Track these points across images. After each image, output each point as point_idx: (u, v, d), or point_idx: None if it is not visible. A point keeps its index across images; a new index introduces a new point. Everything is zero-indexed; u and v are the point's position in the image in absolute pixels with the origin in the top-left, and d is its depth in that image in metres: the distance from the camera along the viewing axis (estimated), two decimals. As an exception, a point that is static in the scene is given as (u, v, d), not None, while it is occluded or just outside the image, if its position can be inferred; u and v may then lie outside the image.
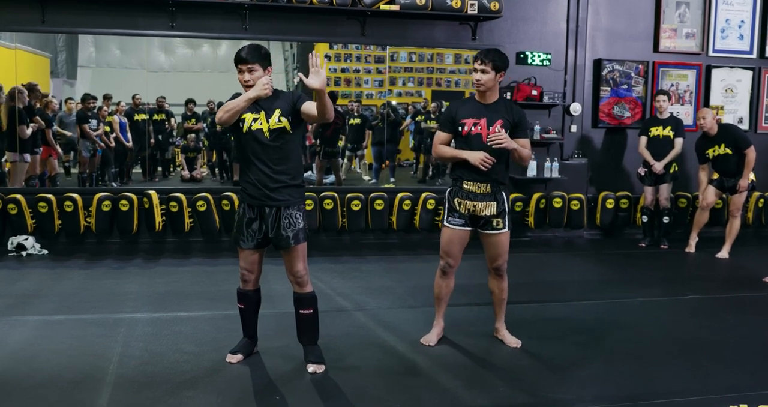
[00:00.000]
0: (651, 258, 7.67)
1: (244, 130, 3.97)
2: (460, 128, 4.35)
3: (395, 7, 7.77)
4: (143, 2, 7.47)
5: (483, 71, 4.28)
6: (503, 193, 4.44)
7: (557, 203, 8.44)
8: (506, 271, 4.58)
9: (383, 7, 7.74)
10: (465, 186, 4.39)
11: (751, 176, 7.53)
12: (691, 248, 7.90)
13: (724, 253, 7.61)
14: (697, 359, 4.49)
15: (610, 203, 8.66)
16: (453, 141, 4.45)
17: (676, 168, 8.05)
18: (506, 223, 4.46)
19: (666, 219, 8.12)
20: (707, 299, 5.98)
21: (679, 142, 7.90)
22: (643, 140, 8.06)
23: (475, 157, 4.27)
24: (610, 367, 4.34)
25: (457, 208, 4.42)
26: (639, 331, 5.03)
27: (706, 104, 9.08)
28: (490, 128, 4.29)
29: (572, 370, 4.25)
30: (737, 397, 3.85)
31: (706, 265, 7.37)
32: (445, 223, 4.50)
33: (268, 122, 3.94)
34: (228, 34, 7.81)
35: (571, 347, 4.66)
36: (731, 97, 9.28)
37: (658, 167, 7.87)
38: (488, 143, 4.24)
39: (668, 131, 7.89)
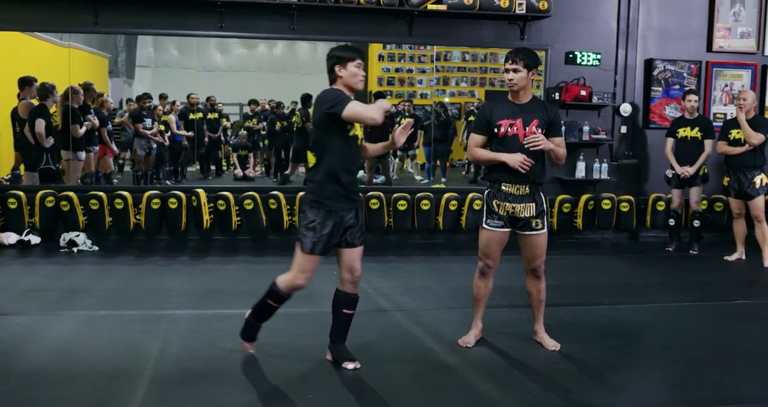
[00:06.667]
0: (699, 262, 7.48)
1: (350, 134, 4.01)
2: (495, 130, 4.30)
3: (442, 7, 7.73)
4: (193, 3, 7.58)
5: (515, 70, 4.24)
6: (541, 193, 4.41)
7: (606, 204, 8.29)
8: (544, 272, 4.53)
9: (430, 6, 7.71)
10: (503, 188, 4.35)
11: (765, 179, 7.23)
12: (741, 255, 7.48)
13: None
14: (736, 367, 4.35)
15: (660, 206, 8.44)
16: (489, 143, 4.41)
17: (706, 170, 7.72)
18: (545, 223, 4.42)
19: (697, 223, 7.83)
20: (753, 305, 5.81)
21: (708, 143, 7.58)
22: (670, 141, 7.79)
23: (514, 159, 4.22)
24: (646, 373, 4.26)
25: (496, 210, 4.38)
26: (680, 336, 4.92)
27: (762, 105, 8.82)
28: (527, 128, 4.25)
29: (608, 375, 4.19)
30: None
31: (753, 271, 7.13)
32: (483, 225, 4.46)
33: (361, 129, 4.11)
34: (276, 34, 7.90)
35: (609, 351, 4.59)
36: (790, 98, 9.00)
37: (691, 171, 7.58)
38: (525, 146, 4.20)
39: (696, 132, 7.60)
